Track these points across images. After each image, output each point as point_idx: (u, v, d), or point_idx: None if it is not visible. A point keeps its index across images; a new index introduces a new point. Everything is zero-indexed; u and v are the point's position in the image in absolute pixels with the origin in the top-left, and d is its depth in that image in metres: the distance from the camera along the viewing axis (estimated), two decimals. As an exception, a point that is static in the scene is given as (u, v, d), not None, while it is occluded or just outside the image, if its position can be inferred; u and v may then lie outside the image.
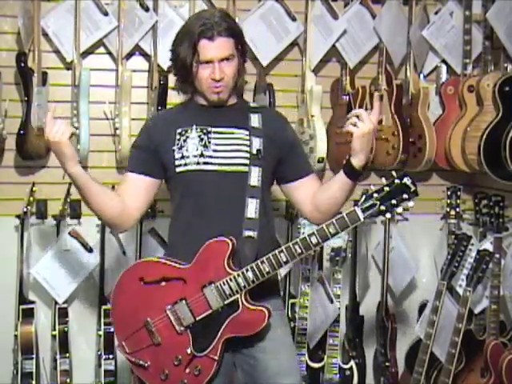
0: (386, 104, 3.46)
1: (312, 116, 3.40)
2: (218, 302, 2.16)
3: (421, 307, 3.55)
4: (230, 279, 2.15)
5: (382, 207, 2.08)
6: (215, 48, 2.17)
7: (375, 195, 2.09)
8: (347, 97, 3.48)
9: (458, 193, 3.46)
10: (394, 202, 2.07)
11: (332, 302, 3.34)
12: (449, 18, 3.53)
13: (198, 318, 2.18)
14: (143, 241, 3.32)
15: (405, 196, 2.07)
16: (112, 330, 3.20)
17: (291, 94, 3.50)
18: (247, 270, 2.14)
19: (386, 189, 2.08)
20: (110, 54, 3.34)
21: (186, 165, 2.25)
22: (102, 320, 3.25)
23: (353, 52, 3.52)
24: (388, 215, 2.08)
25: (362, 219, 2.09)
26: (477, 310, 3.36)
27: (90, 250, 3.29)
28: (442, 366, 3.19)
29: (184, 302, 2.19)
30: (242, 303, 2.17)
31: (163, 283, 2.20)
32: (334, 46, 3.49)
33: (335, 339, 3.35)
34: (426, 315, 3.25)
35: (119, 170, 3.40)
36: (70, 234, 3.25)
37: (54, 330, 3.24)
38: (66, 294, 3.27)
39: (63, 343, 3.22)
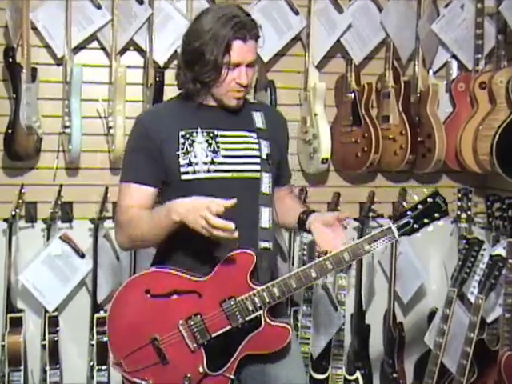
0: (394, 102, 3.46)
1: (315, 114, 3.39)
2: (238, 319, 2.11)
3: (430, 315, 3.55)
4: (254, 294, 2.10)
5: (416, 226, 2.14)
6: (246, 51, 2.12)
7: (409, 213, 2.15)
8: (352, 94, 3.48)
9: (470, 195, 3.44)
10: (426, 220, 2.14)
11: (336, 309, 3.33)
12: (460, 10, 3.52)
13: (213, 335, 2.12)
14: None
15: (436, 215, 2.15)
16: (105, 339, 3.16)
17: (294, 92, 3.50)
18: (273, 286, 2.10)
19: (420, 207, 2.15)
20: (103, 49, 3.33)
21: (194, 172, 2.15)
22: (95, 329, 3.21)
23: (358, 47, 3.51)
24: (418, 234, 2.16)
25: (397, 237, 2.14)
26: (489, 319, 3.33)
27: (82, 255, 3.27)
28: (453, 378, 3.16)
29: (199, 317, 2.12)
30: (265, 320, 2.12)
31: (174, 296, 2.12)
32: (338, 40, 3.48)
33: (340, 349, 3.34)
34: (435, 324, 3.22)
35: (113, 171, 3.39)
36: (60, 238, 3.24)
37: (44, 339, 3.21)
38: (56, 301, 3.24)
39: (53, 354, 3.19)
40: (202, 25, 2.12)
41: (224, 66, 2.11)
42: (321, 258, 2.12)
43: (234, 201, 1.97)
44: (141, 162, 2.17)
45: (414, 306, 3.73)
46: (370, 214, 3.45)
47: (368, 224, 3.49)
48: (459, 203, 3.43)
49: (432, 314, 3.47)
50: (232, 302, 2.11)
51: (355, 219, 3.50)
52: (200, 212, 1.95)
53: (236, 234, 1.96)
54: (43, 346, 3.21)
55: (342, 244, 2.14)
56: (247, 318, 2.11)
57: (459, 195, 3.44)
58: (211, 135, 2.18)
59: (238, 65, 2.13)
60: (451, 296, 3.13)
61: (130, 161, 2.21)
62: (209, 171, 2.16)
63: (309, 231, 2.27)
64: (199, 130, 2.18)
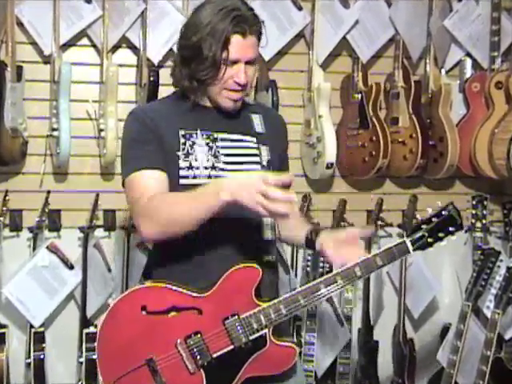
0: (403, 103, 3.44)
1: (320, 116, 3.37)
2: (241, 338, 2.05)
3: (443, 331, 3.51)
4: (259, 312, 2.05)
5: (430, 239, 2.15)
6: (246, 47, 2.06)
7: (424, 226, 2.15)
8: (359, 95, 3.45)
9: (485, 202, 3.37)
10: (441, 234, 2.15)
11: (342, 324, 3.31)
12: (474, 5, 3.49)
13: (214, 356, 2.05)
14: (131, 256, 3.26)
15: (451, 229, 2.16)
16: (95, 357, 2.90)
17: (297, 92, 3.49)
18: (279, 303, 2.05)
19: (434, 220, 2.15)
20: (93, 46, 3.31)
21: (194, 177, 2.09)
22: (84, 346, 3.14)
23: (366, 45, 3.49)
24: (432, 248, 2.16)
25: (412, 251, 2.13)
26: (507, 336, 3.29)
27: (71, 267, 3.24)
28: (468, 399, 3.13)
29: (199, 336, 2.04)
30: (270, 339, 2.06)
31: (173, 313, 2.05)
32: (344, 38, 3.46)
33: (346, 367, 3.31)
34: (449, 340, 3.19)
35: (104, 176, 3.37)
36: (48, 248, 3.20)
37: (29, 357, 3.15)
38: (42, 316, 3.20)
39: (39, 372, 3.14)
40: (200, 18, 2.06)
41: (222, 62, 2.04)
42: (330, 274, 2.08)
43: (291, 175, 1.92)
44: (147, 150, 2.07)
45: (425, 320, 3.70)
46: (378, 223, 3.42)
47: (376, 233, 3.50)
48: (474, 211, 3.36)
49: (445, 330, 3.43)
50: (235, 320, 2.05)
51: (362, 228, 3.43)
52: (255, 186, 1.85)
53: (295, 200, 1.89)
54: (28, 365, 3.15)
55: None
56: (251, 338, 2.05)
57: (474, 202, 3.38)
58: (211, 138, 2.13)
59: (236, 62, 2.06)
60: (465, 310, 3.08)
61: (134, 152, 2.09)
62: (209, 177, 2.10)
63: (319, 252, 2.25)
64: (199, 131, 2.13)
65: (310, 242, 2.23)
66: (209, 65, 2.04)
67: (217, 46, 2.01)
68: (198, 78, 2.08)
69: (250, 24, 2.04)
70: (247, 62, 2.07)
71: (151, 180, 2.06)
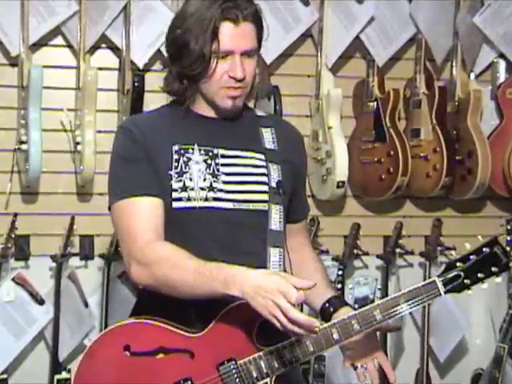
0: (426, 112, 3.38)
1: (329, 128, 3.32)
2: None
3: (474, 378, 3.44)
4: (260, 357, 1.94)
5: (467, 281, 2.03)
6: (240, 36, 2.00)
7: (459, 264, 2.04)
8: (375, 103, 3.40)
9: None
10: (481, 275, 2.03)
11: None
12: None
13: None
14: (111, 289, 3.20)
15: (494, 269, 2.04)
16: None
17: (303, 100, 3.44)
18: (284, 348, 1.94)
19: (473, 258, 2.04)
20: (68, 46, 3.26)
21: (189, 200, 2.03)
22: None
23: (382, 45, 3.44)
24: (470, 291, 2.06)
25: (443, 294, 2.03)
26: None
27: (41, 302, 3.18)
28: None
29: (190, 383, 1.95)
30: None
31: (160, 355, 1.98)
32: (357, 37, 3.41)
33: None
34: None
35: (80, 196, 3.29)
36: (14, 280, 3.16)
37: None
38: (6, 360, 3.13)
39: None
40: (186, 9, 2.03)
41: (212, 55, 1.96)
42: (345, 317, 1.95)
43: (312, 283, 1.84)
44: (137, 172, 2.04)
45: (452, 365, 3.63)
46: (397, 251, 3.36)
47: (394, 263, 3.44)
48: (508, 237, 3.20)
49: (476, 377, 3.39)
50: (232, 366, 1.94)
51: (378, 256, 3.39)
52: (274, 297, 1.78)
53: (317, 328, 1.85)
54: (-13, 419, 3.04)
55: (370, 359, 2.09)
56: None
57: (508, 227, 3.25)
58: (210, 154, 2.06)
59: (229, 54, 1.97)
60: (500, 353, 3.10)
61: (122, 172, 2.04)
62: (206, 199, 2.04)
63: None
64: (196, 146, 2.06)
65: (325, 314, 2.12)
66: (196, 59, 1.97)
67: (204, 37, 1.95)
68: (188, 75, 2.01)
69: (242, 8, 1.97)
70: (244, 54, 1.98)
71: (144, 212, 2.00)
